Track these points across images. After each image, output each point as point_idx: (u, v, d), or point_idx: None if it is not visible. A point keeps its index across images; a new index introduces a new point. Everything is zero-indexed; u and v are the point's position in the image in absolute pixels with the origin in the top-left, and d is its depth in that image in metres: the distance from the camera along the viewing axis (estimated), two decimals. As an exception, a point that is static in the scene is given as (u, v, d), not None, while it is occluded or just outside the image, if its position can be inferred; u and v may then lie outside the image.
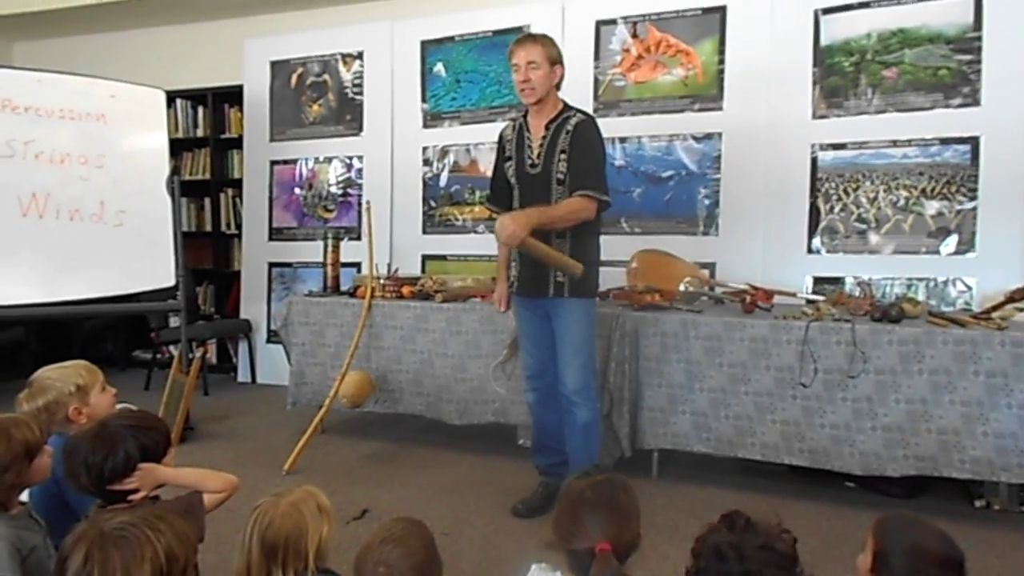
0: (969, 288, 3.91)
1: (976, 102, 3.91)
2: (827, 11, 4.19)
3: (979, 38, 3.90)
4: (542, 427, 3.25)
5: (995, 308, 3.31)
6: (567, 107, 3.07)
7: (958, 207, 3.95)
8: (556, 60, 3.01)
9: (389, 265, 4.74)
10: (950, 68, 3.96)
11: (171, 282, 4.61)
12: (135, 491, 1.80)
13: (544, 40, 3.02)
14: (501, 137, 3.23)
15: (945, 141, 3.97)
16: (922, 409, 3.03)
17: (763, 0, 4.32)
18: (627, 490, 1.67)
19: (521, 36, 3.09)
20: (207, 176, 6.12)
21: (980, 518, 3.12)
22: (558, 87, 3.06)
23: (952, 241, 3.96)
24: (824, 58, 4.21)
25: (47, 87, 4.39)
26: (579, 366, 3.02)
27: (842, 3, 4.15)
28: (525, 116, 3.14)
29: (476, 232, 5.09)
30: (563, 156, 2.98)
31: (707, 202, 4.46)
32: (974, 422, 2.95)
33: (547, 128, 3.03)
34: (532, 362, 3.21)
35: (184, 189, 5.29)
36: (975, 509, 3.17)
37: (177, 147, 5.99)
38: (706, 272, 4.24)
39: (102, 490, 1.77)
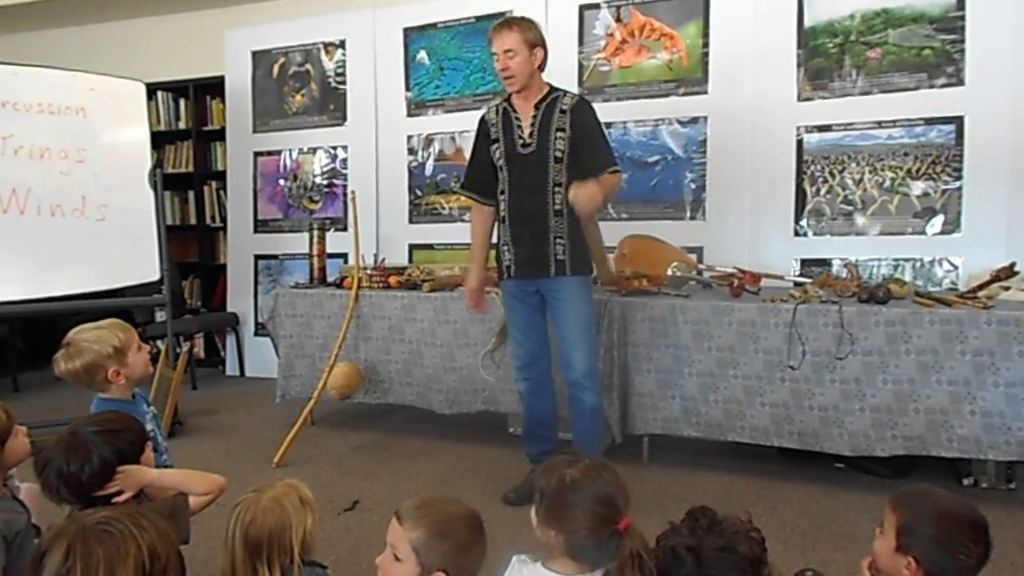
0: (955, 267, 3.93)
1: (960, 81, 3.91)
2: (811, -8, 4.18)
3: (962, 17, 3.89)
4: (533, 415, 3.23)
5: (981, 287, 3.31)
6: (553, 88, 3.07)
7: (943, 187, 3.96)
8: (536, 43, 2.97)
9: (376, 255, 4.71)
10: (934, 48, 3.96)
11: (156, 276, 4.56)
12: (118, 494, 1.77)
13: (521, 24, 2.97)
14: (484, 121, 3.17)
15: (930, 121, 3.97)
16: (910, 389, 3.04)
17: (747, -18, 4.31)
18: (608, 467, 1.63)
19: (498, 22, 3.03)
20: (190, 169, 6.07)
21: (968, 496, 3.10)
22: (541, 68, 3.03)
23: (938, 221, 3.97)
24: (808, 40, 4.20)
25: (25, 81, 4.32)
26: (586, 349, 3.03)
27: (826, -16, 4.14)
28: (508, 100, 3.10)
29: (463, 220, 5.06)
30: (560, 135, 2.97)
31: (693, 186, 4.45)
32: (961, 401, 2.96)
33: (537, 108, 3.01)
34: (523, 352, 3.18)
35: (167, 182, 5.25)
36: (963, 487, 3.18)
37: (159, 140, 5.94)
38: (694, 256, 4.23)
39: (85, 499, 1.74)
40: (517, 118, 3.04)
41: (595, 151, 3.00)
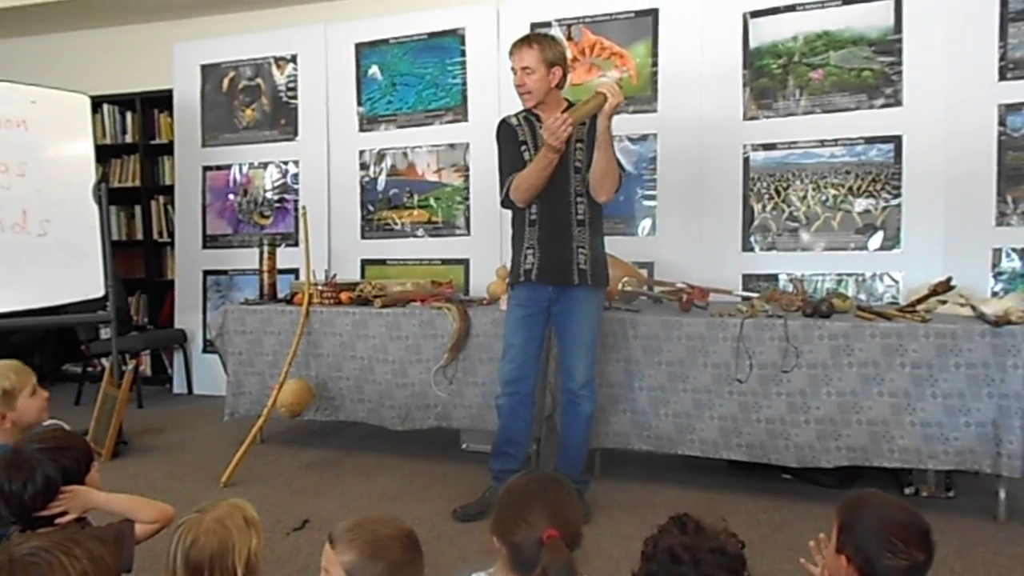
0: (896, 282, 4.04)
1: (898, 102, 4.04)
2: (755, 14, 4.28)
3: (900, 40, 4.03)
4: (506, 433, 3.19)
5: (919, 301, 3.42)
6: (571, 103, 3.05)
7: (884, 204, 4.08)
8: (555, 62, 3.00)
9: (327, 271, 4.68)
10: (873, 69, 4.09)
11: (100, 293, 4.47)
12: (62, 514, 1.73)
13: (541, 43, 2.99)
14: (507, 124, 3.13)
15: (870, 140, 4.10)
16: (852, 401, 3.11)
17: (694, 3, 4.40)
18: (569, 489, 1.67)
19: (520, 38, 3.05)
20: (137, 183, 5.95)
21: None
22: (560, 87, 3.06)
23: (879, 237, 4.09)
24: (753, 60, 4.30)
25: (-37, 93, 4.22)
26: (589, 361, 3.09)
27: (769, 6, 4.25)
28: (527, 112, 3.11)
29: (415, 236, 5.06)
30: (579, 146, 3.00)
31: (644, 203, 4.52)
32: (901, 412, 3.05)
33: None
34: (513, 368, 3.12)
35: (113, 197, 5.15)
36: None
37: (105, 154, 5.83)
38: (644, 272, 4.29)
39: (27, 519, 1.70)
40: (542, 128, 2.98)
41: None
